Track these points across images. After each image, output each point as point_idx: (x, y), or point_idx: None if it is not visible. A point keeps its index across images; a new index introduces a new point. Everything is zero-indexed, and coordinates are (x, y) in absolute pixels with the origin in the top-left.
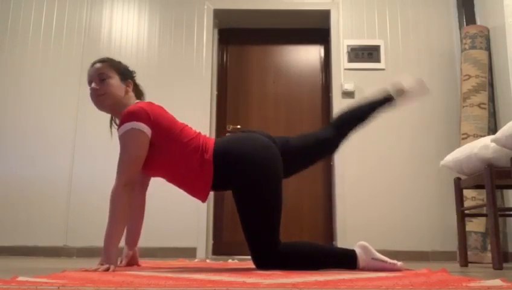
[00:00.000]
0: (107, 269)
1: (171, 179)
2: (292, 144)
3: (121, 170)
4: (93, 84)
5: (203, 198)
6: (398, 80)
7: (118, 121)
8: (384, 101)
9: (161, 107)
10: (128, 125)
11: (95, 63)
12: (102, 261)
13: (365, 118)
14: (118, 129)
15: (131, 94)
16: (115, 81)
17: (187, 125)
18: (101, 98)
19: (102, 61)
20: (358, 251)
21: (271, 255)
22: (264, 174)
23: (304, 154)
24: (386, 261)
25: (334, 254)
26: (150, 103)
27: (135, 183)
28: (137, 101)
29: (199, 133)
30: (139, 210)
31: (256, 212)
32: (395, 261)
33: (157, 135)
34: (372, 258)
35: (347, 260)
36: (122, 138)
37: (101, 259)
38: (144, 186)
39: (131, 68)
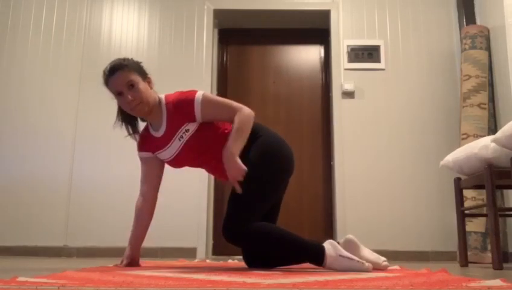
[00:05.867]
0: None
1: (203, 158)
2: None
3: (238, 106)
4: (126, 95)
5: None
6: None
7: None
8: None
9: None
10: (199, 94)
11: (114, 70)
12: None
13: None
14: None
15: (153, 89)
16: (141, 85)
17: None
18: (139, 107)
19: (122, 66)
20: (327, 246)
21: (241, 230)
22: (275, 164)
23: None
24: (353, 259)
25: (303, 246)
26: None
27: (149, 183)
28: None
29: None
30: (148, 212)
31: (249, 191)
32: (363, 261)
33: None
34: (340, 255)
35: (314, 254)
36: (206, 100)
37: None
38: (156, 188)
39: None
